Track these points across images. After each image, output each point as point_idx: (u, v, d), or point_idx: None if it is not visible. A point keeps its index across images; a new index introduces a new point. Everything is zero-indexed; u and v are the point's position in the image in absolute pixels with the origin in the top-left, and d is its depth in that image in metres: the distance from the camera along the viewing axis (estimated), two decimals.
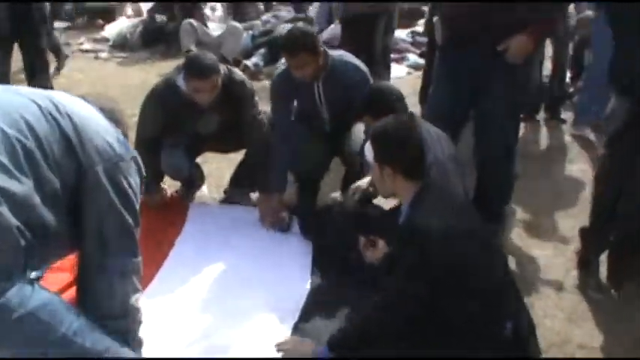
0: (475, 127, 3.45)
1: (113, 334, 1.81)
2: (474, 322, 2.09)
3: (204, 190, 3.92)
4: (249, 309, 2.75)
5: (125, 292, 1.81)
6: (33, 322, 1.58)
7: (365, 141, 3.32)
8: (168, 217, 3.54)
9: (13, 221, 1.52)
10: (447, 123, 3.09)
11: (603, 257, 3.35)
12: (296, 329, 2.63)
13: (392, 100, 2.94)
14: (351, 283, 2.86)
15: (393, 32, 5.19)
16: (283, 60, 3.49)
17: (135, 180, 1.84)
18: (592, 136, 5.25)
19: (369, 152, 2.35)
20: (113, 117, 1.91)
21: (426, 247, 2.05)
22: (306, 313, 2.72)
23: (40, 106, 1.67)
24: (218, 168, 4.23)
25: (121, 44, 7.61)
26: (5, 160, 1.54)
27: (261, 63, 6.96)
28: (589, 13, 5.92)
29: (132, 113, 4.97)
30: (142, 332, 2.01)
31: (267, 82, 3.49)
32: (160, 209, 3.57)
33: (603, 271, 3.25)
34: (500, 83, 3.16)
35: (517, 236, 3.62)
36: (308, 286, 2.94)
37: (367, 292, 2.52)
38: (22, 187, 1.55)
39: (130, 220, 1.80)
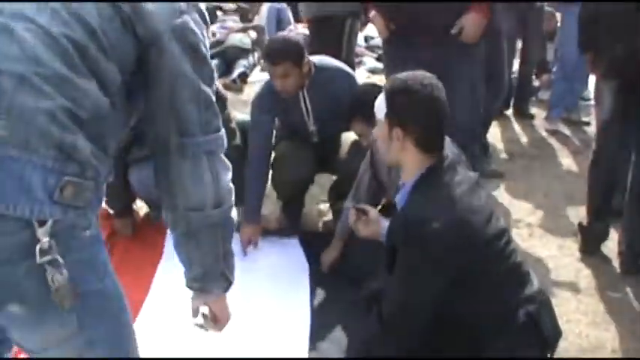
0: None
1: (204, 237, 1.46)
2: (488, 318, 1.85)
3: None
4: (252, 330, 2.52)
5: (216, 173, 1.41)
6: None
7: (355, 149, 3.11)
8: (146, 239, 3.23)
9: (88, 146, 1.17)
10: None
11: (613, 247, 3.24)
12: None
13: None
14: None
15: (357, 36, 5.00)
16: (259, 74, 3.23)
17: (202, 32, 1.38)
18: (566, 131, 5.17)
19: (380, 108, 1.98)
20: None
21: (433, 249, 1.74)
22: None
23: None
24: None
25: None
26: (64, 70, 1.14)
27: (216, 75, 6.65)
28: (551, 8, 5.90)
29: None
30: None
31: (224, 93, 3.25)
32: (135, 234, 3.28)
33: (617, 265, 3.13)
34: (456, 65, 3.00)
35: (519, 238, 3.44)
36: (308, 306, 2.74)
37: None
38: (89, 95, 1.18)
39: (208, 90, 1.39)
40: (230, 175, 1.48)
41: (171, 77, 1.32)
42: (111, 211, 3.29)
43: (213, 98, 1.42)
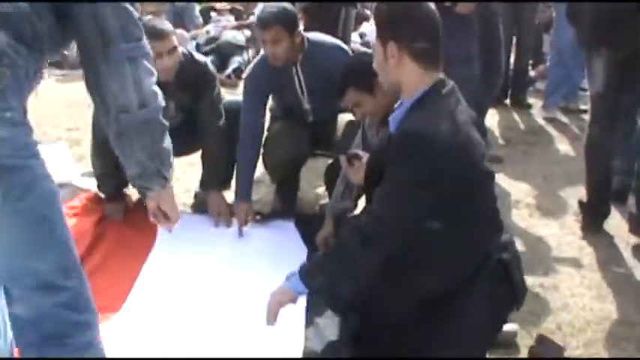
0: None
1: (135, 136, 1.57)
2: (462, 255, 1.79)
3: None
4: (247, 322, 2.37)
5: (138, 76, 1.53)
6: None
7: (350, 128, 3.04)
8: (138, 226, 3.13)
9: (4, 39, 1.35)
10: None
11: (615, 225, 3.18)
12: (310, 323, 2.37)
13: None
14: None
15: (352, 23, 4.96)
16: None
17: None
18: (564, 118, 5.13)
19: (372, 33, 1.97)
20: None
21: (430, 161, 1.67)
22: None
23: None
24: (184, 173, 3.85)
25: (58, 62, 7.12)
26: None
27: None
28: None
29: (75, 127, 4.63)
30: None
31: (212, 70, 3.23)
32: (127, 219, 3.17)
33: (622, 246, 3.07)
34: (451, 37, 2.92)
35: (519, 218, 3.38)
36: None
37: None
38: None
39: (128, 6, 1.52)
40: (154, 79, 1.59)
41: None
42: (102, 195, 3.21)
43: (135, 13, 1.53)
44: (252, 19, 8.01)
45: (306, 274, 1.85)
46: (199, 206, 3.39)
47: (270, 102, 3.23)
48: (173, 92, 2.99)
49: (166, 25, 2.94)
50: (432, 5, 1.83)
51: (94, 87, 1.54)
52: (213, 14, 8.67)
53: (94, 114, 3.03)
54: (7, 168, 1.36)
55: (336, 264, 1.84)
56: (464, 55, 3.06)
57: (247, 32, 7.33)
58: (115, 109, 1.53)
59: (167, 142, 1.66)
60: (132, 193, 3.41)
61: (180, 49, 3.00)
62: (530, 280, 2.74)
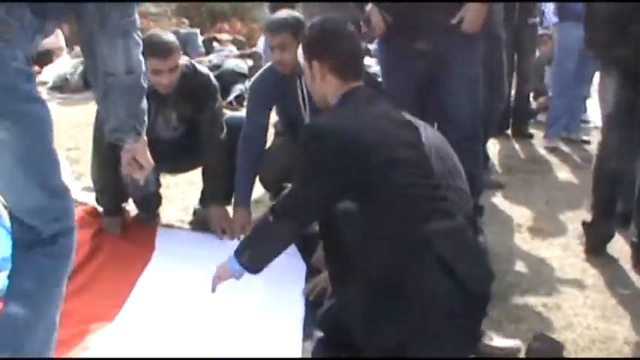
0: (437, 113, 3.08)
1: (118, 96, 1.79)
2: (382, 245, 1.82)
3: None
4: (243, 336, 2.35)
5: (128, 47, 1.75)
6: None
7: None
8: (135, 241, 3.09)
9: None
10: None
11: (619, 248, 3.16)
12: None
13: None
14: None
15: None
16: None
17: None
18: (565, 148, 5.13)
19: (300, 54, 2.18)
20: None
21: (317, 150, 1.92)
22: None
23: None
24: (183, 192, 3.82)
25: (60, 86, 7.15)
26: None
27: None
28: (547, 30, 5.93)
29: (75, 146, 4.62)
30: None
31: (214, 82, 3.25)
32: (125, 233, 3.13)
33: (624, 264, 3.04)
34: (455, 57, 2.92)
35: (521, 241, 3.34)
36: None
37: None
38: None
39: None
40: (140, 50, 1.79)
41: None
42: (100, 209, 3.18)
43: None
44: (255, 49, 8.11)
45: (237, 251, 2.12)
46: (198, 224, 3.35)
47: (273, 118, 3.23)
48: (175, 103, 2.98)
49: (170, 38, 2.93)
50: (350, 26, 2.14)
51: (88, 50, 1.76)
52: (215, 44, 8.78)
53: (94, 126, 3.02)
54: (12, 112, 1.58)
55: (255, 237, 2.16)
56: (465, 78, 3.03)
57: (250, 62, 7.38)
58: (103, 71, 1.74)
59: (144, 103, 1.87)
60: (130, 209, 3.39)
61: (183, 60, 3.00)
62: (532, 300, 2.70)
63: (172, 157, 3.15)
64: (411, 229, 1.81)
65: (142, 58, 1.82)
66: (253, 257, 2.11)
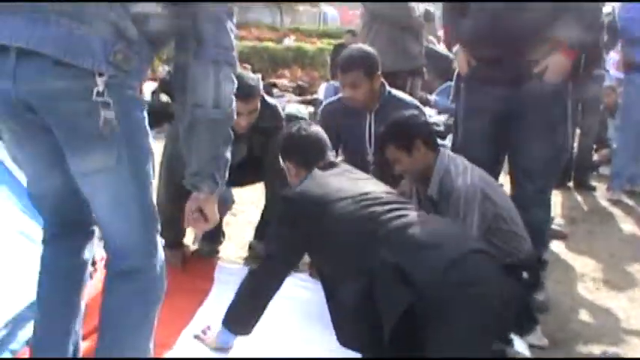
0: (512, 161, 3.09)
1: (203, 132, 1.75)
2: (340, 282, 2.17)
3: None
4: None
5: (218, 79, 1.72)
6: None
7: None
8: (195, 274, 3.15)
9: (135, 31, 1.59)
10: (479, 164, 2.70)
11: None
12: None
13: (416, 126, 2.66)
14: None
15: (416, 97, 5.00)
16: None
17: None
18: (629, 201, 5.00)
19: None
20: None
21: (285, 209, 2.34)
22: None
23: None
24: (242, 230, 3.86)
25: None
26: None
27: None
28: (611, 81, 5.85)
29: None
30: None
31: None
32: (185, 267, 3.20)
33: None
34: (534, 105, 2.88)
35: (585, 291, 3.25)
36: None
37: None
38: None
39: (224, 16, 1.73)
40: (234, 87, 1.75)
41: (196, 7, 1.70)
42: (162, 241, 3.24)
43: (228, 25, 1.73)
44: (316, 95, 8.24)
45: (226, 321, 2.40)
46: (255, 258, 3.38)
47: None
48: (247, 138, 3.03)
49: (253, 82, 2.96)
50: (320, 132, 2.53)
51: (180, 78, 1.74)
52: (275, 90, 8.94)
53: (163, 153, 3.10)
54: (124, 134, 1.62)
55: (241, 299, 2.41)
56: (544, 127, 2.94)
57: (311, 108, 7.50)
58: (191, 103, 1.71)
59: (228, 154, 1.80)
60: (189, 245, 3.45)
61: None
62: (596, 349, 2.62)
63: (238, 174, 3.24)
64: (361, 256, 2.09)
65: (233, 97, 1.77)
66: (241, 320, 2.40)
